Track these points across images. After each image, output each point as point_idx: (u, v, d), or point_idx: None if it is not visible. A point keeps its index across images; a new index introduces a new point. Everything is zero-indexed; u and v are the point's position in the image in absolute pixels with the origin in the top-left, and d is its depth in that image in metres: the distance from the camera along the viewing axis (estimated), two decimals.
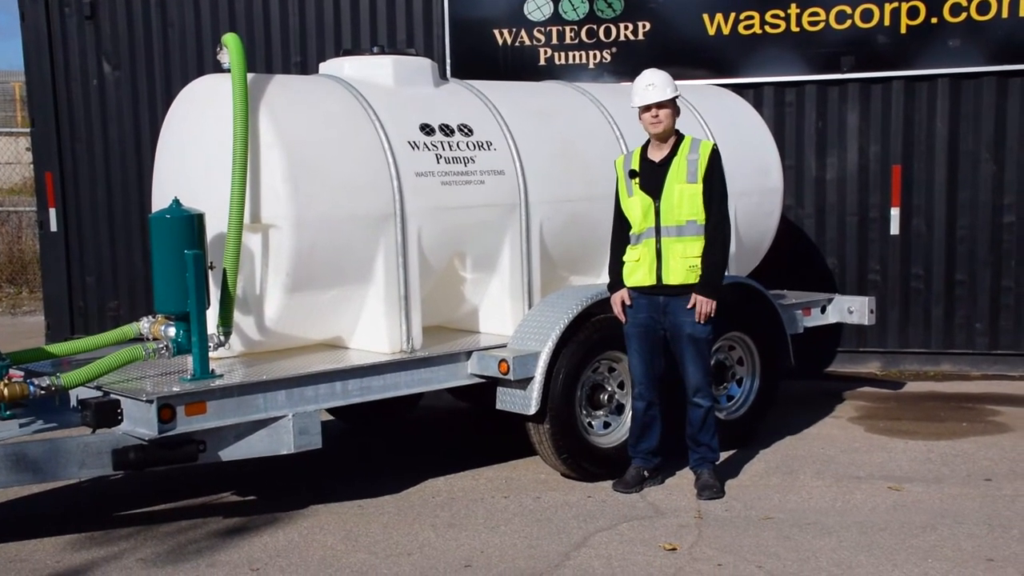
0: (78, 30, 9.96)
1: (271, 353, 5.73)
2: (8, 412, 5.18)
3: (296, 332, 5.76)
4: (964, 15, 8.40)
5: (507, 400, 5.86)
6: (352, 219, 5.59)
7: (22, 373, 5.28)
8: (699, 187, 5.60)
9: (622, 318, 5.80)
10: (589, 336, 5.97)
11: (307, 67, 9.36)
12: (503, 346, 5.93)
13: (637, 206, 5.68)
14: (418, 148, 5.86)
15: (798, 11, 8.69)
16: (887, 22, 8.55)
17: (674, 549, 4.97)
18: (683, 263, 5.61)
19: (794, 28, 8.71)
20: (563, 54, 9.15)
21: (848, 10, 8.60)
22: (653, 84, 5.67)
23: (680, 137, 5.74)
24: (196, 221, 5.23)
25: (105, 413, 4.93)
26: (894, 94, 8.70)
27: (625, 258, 5.78)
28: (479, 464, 6.35)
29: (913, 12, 8.49)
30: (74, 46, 9.99)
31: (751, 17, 8.77)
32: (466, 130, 6.11)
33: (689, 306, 5.61)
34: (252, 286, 5.53)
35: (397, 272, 5.73)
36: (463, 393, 6.66)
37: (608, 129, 6.73)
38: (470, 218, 6.02)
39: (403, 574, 4.75)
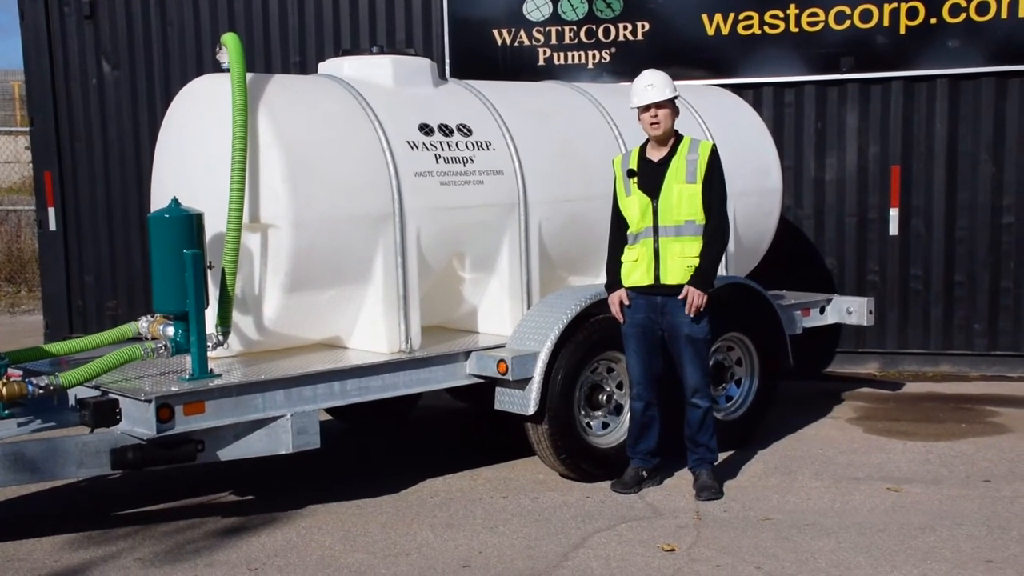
0: (77, 29, 9.96)
1: (270, 353, 5.73)
2: (6, 411, 5.17)
3: (295, 332, 5.76)
4: (963, 16, 8.40)
5: (506, 400, 5.86)
6: (351, 219, 5.59)
7: (20, 372, 5.28)
8: (698, 187, 5.60)
9: (620, 318, 5.80)
10: (588, 336, 5.97)
11: (306, 67, 9.36)
12: (502, 346, 5.93)
13: (635, 206, 5.68)
14: (417, 148, 5.86)
15: (797, 12, 8.69)
16: (886, 23, 8.55)
17: (673, 550, 4.96)
18: (681, 263, 5.60)
19: (793, 29, 8.71)
20: (562, 54, 9.14)
21: (847, 11, 8.60)
22: (652, 84, 5.67)
23: (679, 137, 5.74)
24: (195, 221, 5.23)
25: (103, 412, 4.93)
26: (893, 95, 8.70)
27: (623, 258, 5.77)
28: (477, 464, 6.35)
29: (912, 13, 8.49)
30: (73, 45, 9.99)
31: (750, 17, 8.77)
32: (465, 130, 6.11)
33: (680, 297, 5.59)
34: (251, 286, 5.53)
35: (396, 272, 5.72)
36: (462, 393, 6.66)
37: (607, 129, 6.73)
38: (469, 218, 6.01)
39: (401, 574, 4.74)
